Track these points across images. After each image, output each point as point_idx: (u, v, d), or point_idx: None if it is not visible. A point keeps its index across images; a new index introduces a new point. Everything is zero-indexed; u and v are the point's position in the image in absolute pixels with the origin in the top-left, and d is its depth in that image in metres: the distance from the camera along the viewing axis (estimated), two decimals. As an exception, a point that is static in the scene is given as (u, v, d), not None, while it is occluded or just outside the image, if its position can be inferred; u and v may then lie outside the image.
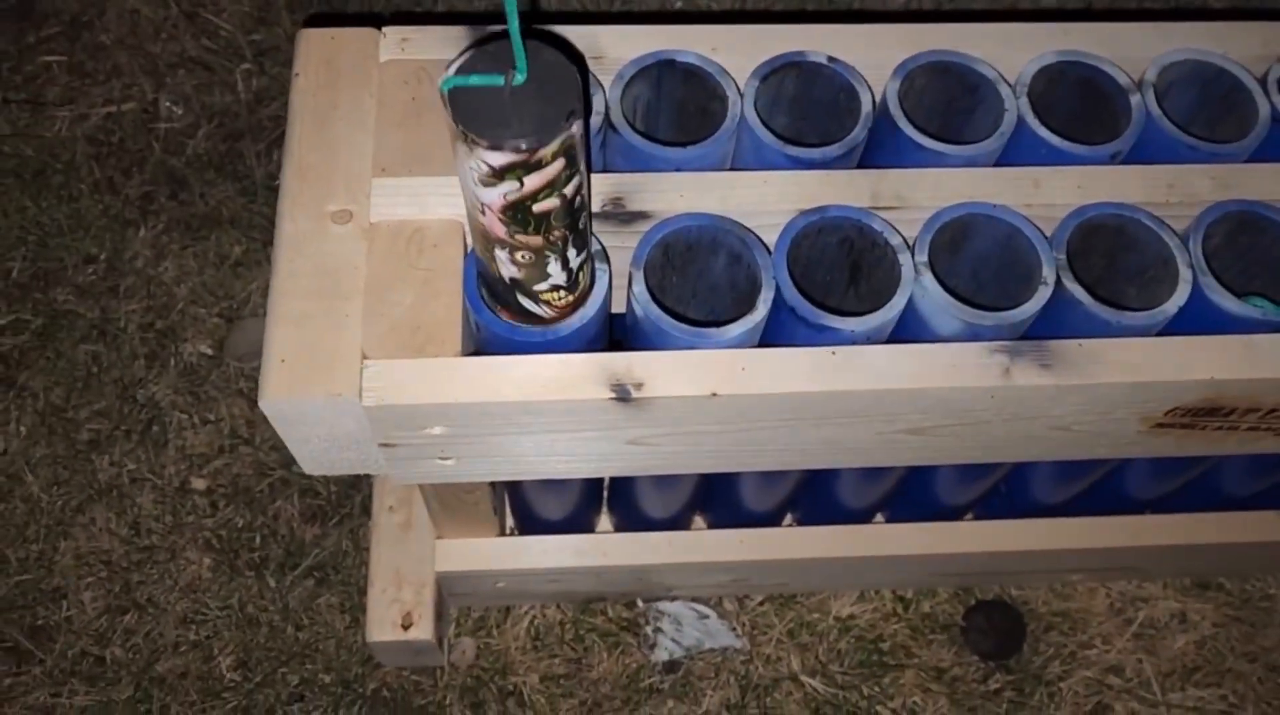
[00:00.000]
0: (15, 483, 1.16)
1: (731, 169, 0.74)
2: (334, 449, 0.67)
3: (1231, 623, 1.15)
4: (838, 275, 0.72)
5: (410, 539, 1.00)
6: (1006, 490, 1.02)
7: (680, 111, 0.76)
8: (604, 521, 1.08)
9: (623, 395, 0.62)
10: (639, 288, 0.65)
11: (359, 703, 1.08)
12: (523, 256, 0.59)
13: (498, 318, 0.65)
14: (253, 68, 1.40)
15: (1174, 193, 0.71)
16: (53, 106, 1.37)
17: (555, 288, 0.62)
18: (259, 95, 1.39)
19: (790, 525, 1.08)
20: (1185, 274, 0.68)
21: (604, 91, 0.71)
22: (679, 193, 0.68)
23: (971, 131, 0.74)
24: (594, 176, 0.68)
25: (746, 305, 0.65)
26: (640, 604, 1.13)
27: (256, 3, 1.44)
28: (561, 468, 0.71)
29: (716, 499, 1.02)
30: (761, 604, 1.14)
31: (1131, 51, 0.75)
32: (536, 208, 0.55)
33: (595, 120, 0.70)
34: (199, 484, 1.17)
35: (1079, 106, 0.75)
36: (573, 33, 0.73)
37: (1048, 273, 0.67)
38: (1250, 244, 0.71)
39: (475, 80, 0.51)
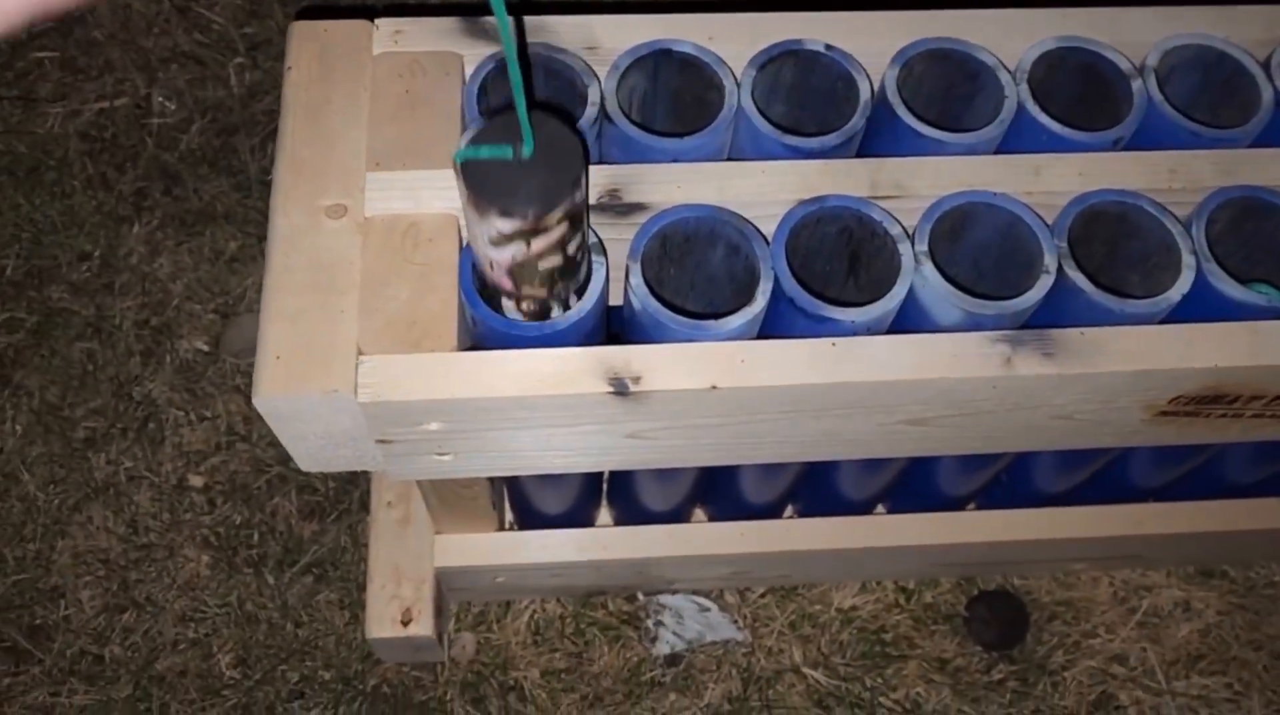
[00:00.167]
0: (11, 482, 1.15)
1: (729, 159, 0.73)
2: (330, 446, 0.67)
3: (1236, 611, 1.14)
4: (837, 266, 0.72)
5: (409, 534, 0.99)
6: (1008, 480, 1.01)
7: (677, 101, 0.75)
8: (604, 515, 1.08)
9: (621, 389, 0.62)
10: (636, 280, 0.64)
11: (359, 699, 1.07)
12: (527, 305, 0.62)
13: (494, 312, 0.64)
14: (245, 62, 1.39)
15: (1176, 179, 0.70)
16: (45, 103, 1.36)
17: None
18: (252, 89, 1.38)
19: (791, 517, 1.07)
20: (1188, 261, 0.67)
21: (599, 82, 0.70)
22: (676, 184, 0.67)
23: (971, 119, 0.74)
24: (590, 168, 0.67)
25: (745, 297, 0.65)
26: (641, 597, 1.12)
27: (249, -4, 1.43)
28: (559, 462, 0.71)
29: (717, 491, 1.02)
30: (763, 596, 1.13)
31: (1132, 36, 0.74)
32: (542, 265, 0.58)
33: (591, 111, 0.69)
34: (196, 481, 1.16)
35: (1080, 92, 0.75)
36: (567, 23, 0.72)
37: (1049, 261, 0.66)
38: (1254, 230, 0.71)
39: (485, 152, 0.55)
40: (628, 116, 0.70)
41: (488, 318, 0.64)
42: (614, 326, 0.72)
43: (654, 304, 0.63)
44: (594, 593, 1.12)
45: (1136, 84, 0.72)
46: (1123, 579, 1.15)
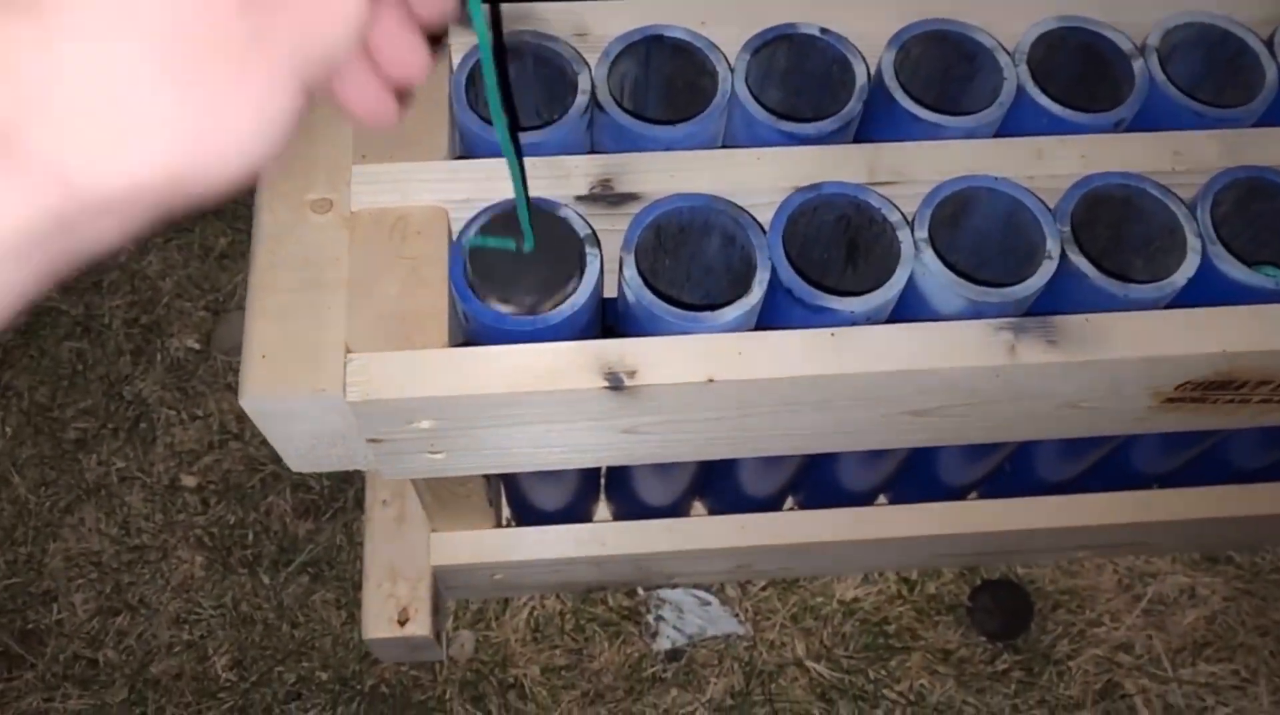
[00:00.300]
0: (2, 484, 1.14)
1: (723, 147, 0.72)
2: (320, 445, 0.65)
3: (1242, 596, 1.13)
4: (835, 254, 0.70)
5: (405, 533, 0.98)
6: (1011, 468, 1.00)
7: (669, 88, 0.74)
8: (602, 510, 1.07)
9: (615, 384, 0.60)
10: (630, 272, 0.63)
11: (357, 700, 1.06)
12: None
13: (486, 307, 0.63)
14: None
15: (1180, 160, 0.69)
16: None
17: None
18: (240, 83, 1.36)
19: (792, 509, 1.06)
20: (1194, 244, 0.66)
21: (589, 69, 0.69)
22: (669, 173, 0.66)
23: (970, 102, 0.72)
24: (581, 158, 0.66)
25: (742, 287, 0.63)
26: (641, 592, 1.11)
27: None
28: (554, 459, 0.69)
29: (716, 484, 1.00)
30: (764, 589, 1.12)
31: (1134, 15, 0.73)
32: None
33: (581, 99, 0.68)
34: (189, 481, 1.15)
35: (1080, 73, 0.73)
36: (556, 9, 0.70)
37: (1052, 246, 0.65)
38: (1260, 211, 0.69)
39: (491, 243, 0.62)
40: (619, 104, 0.68)
41: (479, 313, 0.62)
42: (608, 320, 0.71)
43: (648, 296, 0.62)
44: (593, 588, 1.10)
45: (1138, 64, 0.71)
46: (1127, 566, 1.14)
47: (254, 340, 0.60)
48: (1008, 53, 0.71)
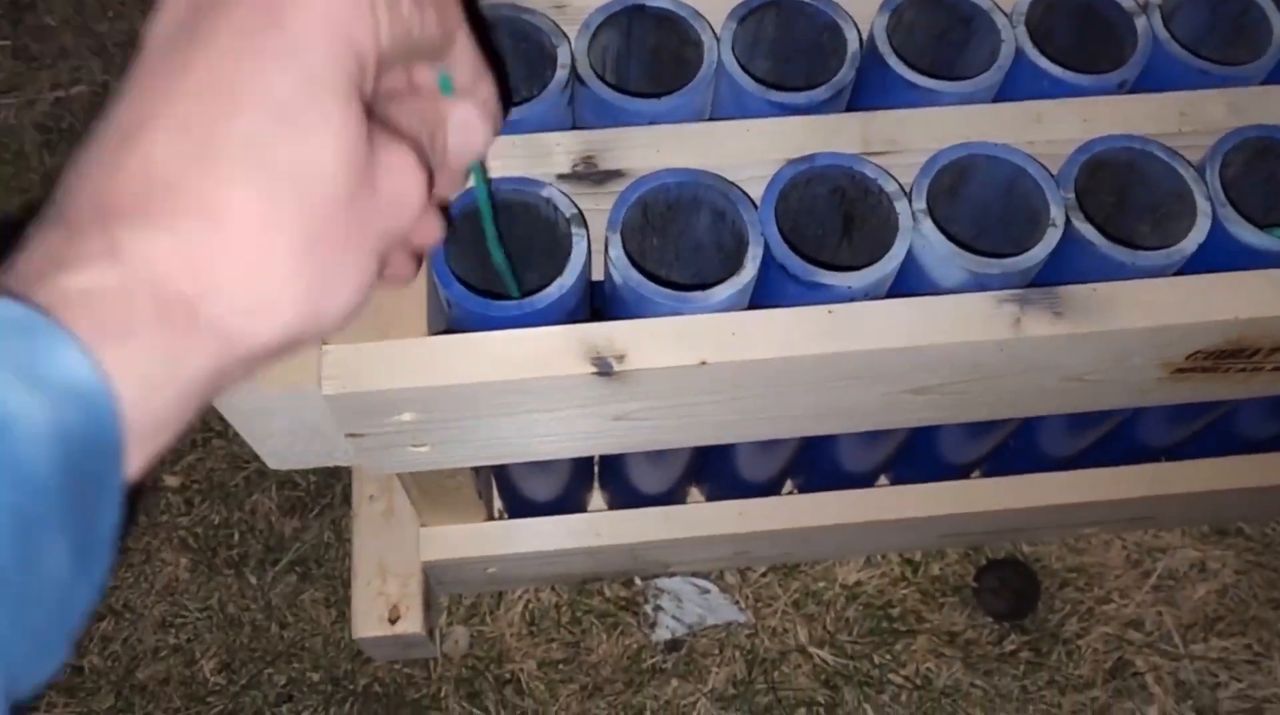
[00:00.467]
0: (-20, 489, 1.11)
1: (711, 120, 0.69)
2: (298, 442, 0.62)
3: (1253, 569, 1.11)
4: (830, 228, 0.68)
5: (393, 528, 0.95)
6: (1015, 445, 0.98)
7: (653, 60, 0.71)
8: (596, 499, 1.04)
9: (604, 369, 0.57)
10: (616, 252, 0.60)
11: (350, 700, 1.03)
12: None
13: (468, 292, 0.60)
14: (206, 43, 1.34)
15: (1186, 121, 0.66)
16: (-2, 94, 1.31)
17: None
18: (214, 72, 1.33)
19: (791, 493, 1.04)
20: (1203, 207, 0.63)
21: (569, 42, 0.66)
22: (655, 148, 0.63)
23: (967, 66, 0.69)
24: (563, 134, 0.63)
25: (734, 265, 0.60)
26: (638, 582, 1.09)
27: (206, -25, 1.38)
28: (543, 449, 0.67)
29: (713, 469, 0.98)
30: (764, 575, 1.09)
31: (1133, -28, 0.70)
32: None
33: (561, 74, 0.65)
34: (171, 481, 1.12)
35: (1081, 33, 0.71)
36: (532, -20, 0.67)
37: (1056, 214, 0.62)
38: (1271, 172, 0.67)
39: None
40: (601, 78, 0.65)
41: (462, 299, 0.60)
42: (596, 302, 0.68)
43: (636, 277, 0.59)
44: (589, 579, 1.08)
45: (1140, 22, 0.68)
46: (1135, 541, 1.12)
47: (223, 334, 0.58)
48: (1004, 14, 0.68)
